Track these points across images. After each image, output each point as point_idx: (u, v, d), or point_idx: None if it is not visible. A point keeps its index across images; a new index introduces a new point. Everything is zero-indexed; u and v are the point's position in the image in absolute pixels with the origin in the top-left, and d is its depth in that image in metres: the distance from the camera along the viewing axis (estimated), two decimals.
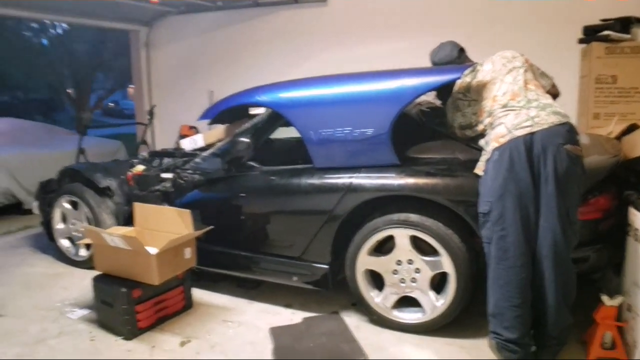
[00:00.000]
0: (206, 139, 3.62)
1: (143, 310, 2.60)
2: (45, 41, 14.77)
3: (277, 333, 2.60)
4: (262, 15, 5.92)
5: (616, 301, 2.24)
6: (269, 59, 5.78)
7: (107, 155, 5.65)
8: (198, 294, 3.05)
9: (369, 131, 2.54)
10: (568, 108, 2.21)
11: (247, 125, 3.06)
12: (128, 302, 2.53)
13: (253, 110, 3.36)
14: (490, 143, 2.17)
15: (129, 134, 11.60)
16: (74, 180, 3.63)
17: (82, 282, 3.30)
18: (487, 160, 2.17)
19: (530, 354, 2.20)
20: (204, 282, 3.20)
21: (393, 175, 2.51)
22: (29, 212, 4.99)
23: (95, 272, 2.78)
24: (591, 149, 2.57)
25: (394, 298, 2.57)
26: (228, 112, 3.32)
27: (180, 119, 5.43)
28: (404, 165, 2.52)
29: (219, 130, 3.66)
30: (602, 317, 2.25)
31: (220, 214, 3.04)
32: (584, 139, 2.75)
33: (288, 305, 2.94)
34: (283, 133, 3.49)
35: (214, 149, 3.14)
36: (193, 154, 3.45)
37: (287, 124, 3.10)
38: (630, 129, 2.92)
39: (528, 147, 2.05)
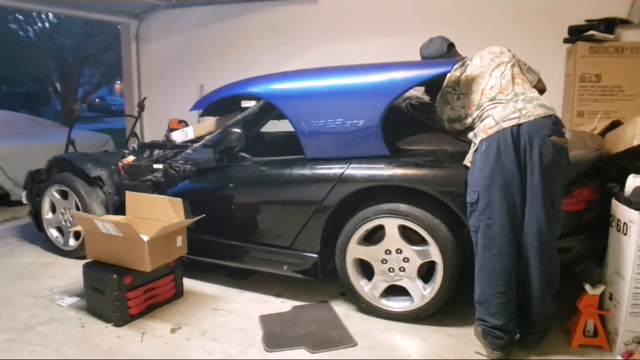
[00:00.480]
0: (197, 131, 3.63)
1: (134, 297, 2.61)
2: (31, 34, 14.54)
3: (267, 320, 2.64)
4: (253, 11, 5.93)
5: (598, 290, 2.31)
6: (260, 55, 5.80)
7: (96, 148, 5.62)
8: (188, 283, 3.06)
9: (360, 122, 2.58)
10: (553, 105, 2.28)
11: (239, 116, 3.09)
12: (119, 288, 2.54)
13: (245, 103, 3.38)
14: (479, 135, 2.24)
15: (115, 129, 11.53)
16: (63, 170, 3.62)
17: (71, 271, 3.30)
18: (475, 152, 2.23)
19: (515, 340, 2.26)
20: (194, 272, 3.22)
21: (383, 166, 2.56)
22: (15, 203, 4.96)
23: (84, 262, 2.77)
24: (574, 144, 2.64)
25: (382, 286, 2.62)
26: (219, 105, 3.35)
27: (169, 113, 5.39)
28: (394, 156, 2.57)
29: (210, 122, 3.67)
30: (584, 305, 2.32)
31: (211, 204, 3.06)
32: (569, 136, 2.83)
33: (278, 294, 2.97)
34: (274, 127, 3.54)
35: (205, 140, 3.16)
36: (183, 145, 3.46)
37: (279, 116, 3.15)
38: (613, 125, 3.01)
39: (515, 138, 2.11)
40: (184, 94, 5.83)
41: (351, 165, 2.61)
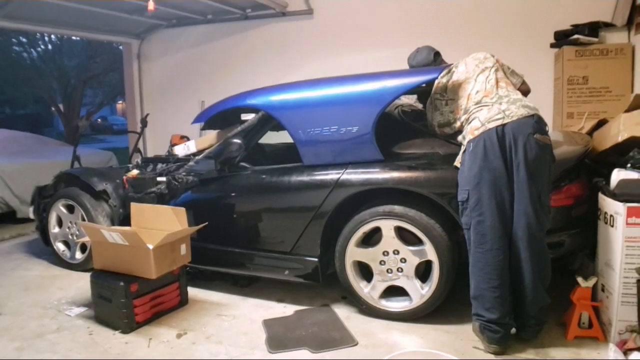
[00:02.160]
0: (198, 145, 3.73)
1: (140, 304, 2.68)
2: (34, 56, 14.77)
3: (270, 324, 2.70)
4: (251, 28, 6.09)
5: (590, 282, 2.38)
6: (258, 70, 5.92)
7: (100, 165, 5.70)
8: (193, 291, 3.14)
9: (354, 129, 2.69)
10: (544, 109, 2.37)
11: (239, 128, 3.19)
12: (126, 296, 2.61)
13: (245, 117, 3.49)
14: (466, 136, 2.34)
15: (118, 148, 11.65)
16: (69, 184, 3.72)
17: (78, 283, 3.38)
18: (464, 152, 2.33)
19: (512, 334, 2.31)
20: (198, 281, 3.30)
21: (378, 170, 2.65)
22: (22, 220, 5.05)
23: (91, 273, 2.84)
24: (563, 142, 2.75)
25: (381, 287, 2.69)
26: (220, 118, 3.45)
27: (171, 129, 5.51)
28: (388, 160, 2.66)
29: (211, 136, 3.78)
30: (578, 298, 2.39)
31: (214, 213, 3.14)
32: (557, 136, 2.94)
33: (280, 300, 3.04)
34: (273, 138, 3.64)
35: (207, 152, 3.26)
36: (186, 158, 3.56)
37: (277, 127, 3.25)
38: (600, 124, 3.10)
39: (500, 137, 2.21)
40: (186, 110, 5.96)
41: (347, 170, 2.71)
